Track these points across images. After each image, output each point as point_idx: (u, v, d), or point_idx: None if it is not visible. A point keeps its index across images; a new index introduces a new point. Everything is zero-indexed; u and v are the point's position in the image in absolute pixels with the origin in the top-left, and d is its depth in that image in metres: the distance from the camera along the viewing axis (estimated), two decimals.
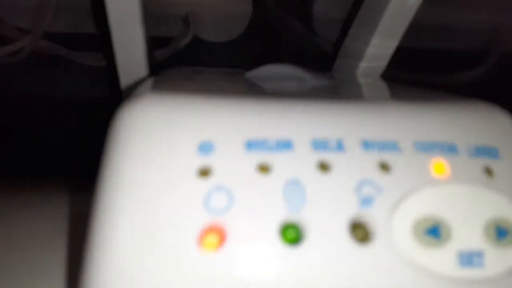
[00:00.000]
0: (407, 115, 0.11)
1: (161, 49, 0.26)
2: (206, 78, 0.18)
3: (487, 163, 0.10)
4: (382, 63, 0.21)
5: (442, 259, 0.09)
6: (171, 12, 0.26)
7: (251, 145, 0.09)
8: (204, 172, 0.09)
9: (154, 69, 0.21)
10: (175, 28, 0.27)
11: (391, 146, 0.10)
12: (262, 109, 0.10)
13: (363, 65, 0.20)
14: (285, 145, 0.10)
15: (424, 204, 0.09)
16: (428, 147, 0.10)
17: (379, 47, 0.19)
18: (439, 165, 0.10)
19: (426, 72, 0.28)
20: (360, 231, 0.09)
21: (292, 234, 0.09)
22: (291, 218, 0.09)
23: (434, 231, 0.09)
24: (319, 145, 0.10)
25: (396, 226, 0.09)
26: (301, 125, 0.10)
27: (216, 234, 0.09)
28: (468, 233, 0.09)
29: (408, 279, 0.09)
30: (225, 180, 0.09)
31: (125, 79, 0.19)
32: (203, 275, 0.08)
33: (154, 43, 0.26)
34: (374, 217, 0.09)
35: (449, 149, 0.10)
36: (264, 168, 0.09)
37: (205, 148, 0.09)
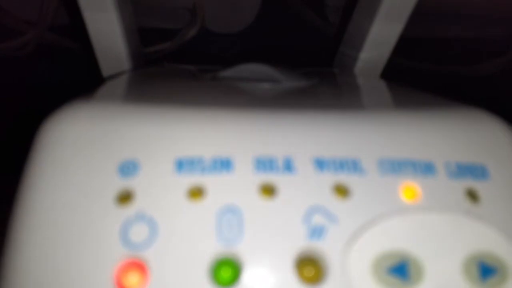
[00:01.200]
0: (375, 126, 0.09)
1: (169, 41, 0.26)
2: (176, 78, 0.17)
3: (471, 185, 0.09)
4: (384, 53, 0.19)
5: None
6: (178, 4, 0.27)
7: (182, 164, 0.08)
8: (124, 198, 0.08)
9: (143, 62, 0.20)
10: (183, 20, 0.27)
11: (351, 165, 0.09)
12: (200, 120, 0.09)
13: (363, 56, 0.19)
14: (223, 165, 0.08)
15: (389, 236, 0.08)
16: (397, 167, 0.09)
17: (381, 32, 0.18)
18: (409, 189, 0.09)
19: (449, 63, 0.27)
20: (308, 269, 0.08)
21: (226, 273, 0.07)
22: (225, 253, 0.08)
23: (400, 270, 0.08)
24: (263, 165, 0.08)
25: (352, 264, 0.08)
26: (244, 140, 0.09)
27: (136, 272, 0.07)
28: (443, 272, 0.08)
29: None
30: (148, 207, 0.08)
31: (107, 72, 0.19)
32: None
33: (161, 35, 0.27)
34: (325, 252, 0.08)
35: (424, 169, 0.09)
36: (195, 193, 0.08)
37: (127, 168, 0.08)
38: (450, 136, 0.10)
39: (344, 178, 0.08)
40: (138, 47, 0.21)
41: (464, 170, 0.09)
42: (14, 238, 0.08)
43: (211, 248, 0.07)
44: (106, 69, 0.19)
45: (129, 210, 0.08)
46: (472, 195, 0.09)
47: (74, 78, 0.26)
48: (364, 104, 0.12)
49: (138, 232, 0.08)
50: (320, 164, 0.09)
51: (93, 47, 0.18)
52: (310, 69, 0.20)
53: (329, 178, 0.08)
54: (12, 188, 0.09)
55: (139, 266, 0.07)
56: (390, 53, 0.19)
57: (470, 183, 0.09)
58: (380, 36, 0.18)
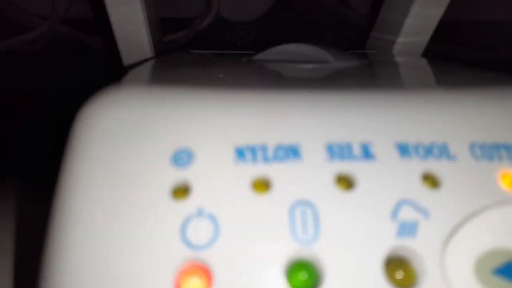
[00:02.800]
0: (462, 106, 0.08)
1: (184, 30, 0.25)
2: (208, 63, 0.16)
3: None
4: (423, 38, 0.18)
5: None
6: None
7: (242, 153, 0.07)
8: (180, 192, 0.07)
9: (163, 52, 0.20)
10: (198, 9, 0.26)
11: (439, 151, 0.08)
12: (260, 105, 0.08)
13: (400, 40, 0.18)
14: (291, 152, 0.07)
15: (492, 231, 0.07)
16: (492, 152, 0.08)
17: (420, 16, 0.17)
18: (508, 176, 0.08)
19: (483, 48, 0.25)
20: (399, 272, 0.07)
21: (304, 276, 0.07)
22: (302, 254, 0.07)
23: (508, 270, 0.07)
24: (337, 151, 0.07)
25: (450, 265, 0.07)
26: (312, 124, 0.08)
27: (199, 275, 0.07)
28: None
29: None
30: (208, 202, 0.07)
31: (129, 62, 0.18)
32: None
33: (176, 24, 0.26)
34: (418, 251, 0.07)
35: None
36: (261, 185, 0.07)
37: (182, 158, 0.07)
38: None
39: (433, 165, 0.07)
40: (160, 36, 0.20)
41: None
42: (54, 240, 0.07)
43: (284, 249, 0.07)
44: (128, 59, 0.18)
45: (187, 205, 0.07)
46: None
47: (88, 71, 0.26)
48: (434, 84, 0.11)
49: (199, 230, 0.07)
50: (404, 150, 0.08)
51: (115, 38, 0.17)
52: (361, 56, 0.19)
53: (416, 166, 0.07)
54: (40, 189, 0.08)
55: (202, 269, 0.07)
56: (429, 37, 0.18)
57: None
58: (419, 21, 0.17)
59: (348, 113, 0.08)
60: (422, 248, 0.07)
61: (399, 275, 0.07)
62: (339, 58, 0.14)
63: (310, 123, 0.08)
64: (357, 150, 0.07)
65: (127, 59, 0.18)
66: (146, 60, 0.17)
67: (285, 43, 0.15)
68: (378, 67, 0.14)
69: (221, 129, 0.08)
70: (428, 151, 0.08)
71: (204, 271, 0.06)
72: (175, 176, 0.07)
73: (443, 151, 0.08)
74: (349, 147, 0.07)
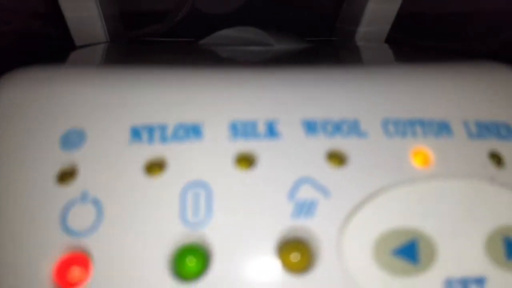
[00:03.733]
0: (376, 82, 0.08)
1: (160, 23, 0.25)
2: (150, 50, 0.15)
3: (495, 147, 0.08)
4: (382, 28, 0.18)
5: None
6: None
7: (138, 133, 0.07)
8: (66, 175, 0.07)
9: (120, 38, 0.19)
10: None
11: (349, 128, 0.07)
12: (164, 83, 0.07)
13: (361, 30, 0.18)
14: (192, 131, 0.07)
15: (395, 211, 0.07)
16: (405, 128, 0.07)
17: (377, 10, 0.17)
18: (420, 153, 0.07)
19: (449, 39, 0.26)
20: (294, 255, 0.06)
21: (192, 262, 0.06)
22: (189, 238, 0.06)
23: (408, 251, 0.07)
24: (240, 130, 0.07)
25: (348, 246, 0.06)
26: (218, 103, 0.07)
27: (78, 265, 0.06)
28: (460, 251, 0.07)
29: None
30: (93, 186, 0.07)
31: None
32: None
33: (152, 16, 0.26)
34: (315, 232, 0.06)
35: (438, 130, 0.08)
36: (155, 167, 0.07)
37: (72, 140, 0.07)
38: (467, 92, 0.08)
39: (341, 143, 0.07)
40: (118, 29, 0.19)
41: (486, 130, 0.08)
42: None
43: (172, 233, 0.06)
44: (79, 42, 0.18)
45: (72, 190, 0.06)
46: (497, 158, 0.07)
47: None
48: (364, 62, 0.11)
49: (81, 216, 0.06)
50: (311, 127, 0.07)
51: (70, 31, 0.16)
52: (307, 40, 0.19)
53: (322, 144, 0.07)
54: None
55: (81, 258, 0.06)
56: (388, 28, 0.18)
57: (493, 144, 0.08)
58: (377, 12, 0.17)
59: (256, 91, 0.07)
60: (319, 229, 0.06)
61: (295, 258, 0.06)
62: (281, 41, 0.14)
63: (215, 101, 0.07)
64: (261, 128, 0.07)
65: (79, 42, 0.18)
66: (94, 44, 0.16)
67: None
68: (319, 50, 0.14)
69: (116, 108, 0.07)
70: (337, 128, 0.07)
71: (83, 260, 0.06)
72: (62, 159, 0.07)
73: (353, 128, 0.07)
74: (253, 125, 0.07)
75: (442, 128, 0.07)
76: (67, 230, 0.06)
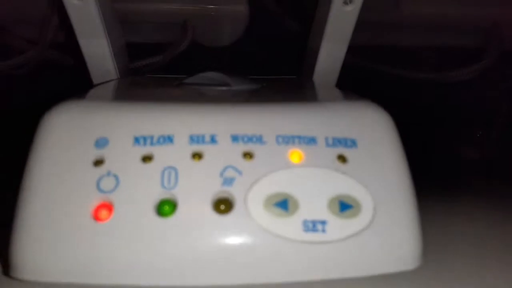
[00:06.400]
0: (278, 114, 0.14)
1: (161, 55, 0.29)
2: (149, 84, 0.21)
3: (342, 152, 0.14)
4: (334, 66, 0.24)
5: (288, 226, 0.12)
6: (170, 19, 0.30)
7: (138, 140, 0.13)
8: (98, 162, 0.12)
9: (130, 74, 0.24)
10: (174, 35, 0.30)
11: (256, 139, 0.13)
12: (150, 111, 0.13)
13: (318, 68, 0.23)
14: (167, 139, 0.13)
15: (276, 183, 0.13)
16: (289, 140, 0.13)
17: (329, 50, 0.23)
18: (295, 153, 0.13)
19: (423, 70, 0.31)
20: (223, 205, 0.12)
21: (165, 208, 0.12)
22: (166, 195, 0.12)
23: (282, 204, 0.12)
24: (195, 139, 0.13)
25: (250, 200, 0.12)
26: (182, 123, 0.13)
27: (105, 209, 0.12)
28: (313, 206, 0.12)
29: (260, 241, 0.12)
30: (114, 168, 0.12)
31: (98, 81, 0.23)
32: (96, 242, 0.12)
33: (153, 49, 0.29)
34: (233, 193, 0.12)
35: (308, 141, 0.14)
36: (147, 158, 0.13)
37: (101, 143, 0.13)
38: (333, 120, 0.14)
39: (251, 147, 0.13)
40: (125, 62, 0.25)
41: (338, 142, 0.14)
42: (28, 192, 0.12)
43: (156, 193, 0.12)
44: (97, 81, 0.23)
45: (102, 170, 0.12)
46: (342, 158, 0.13)
47: (71, 90, 0.28)
48: (281, 99, 0.17)
49: (107, 184, 0.12)
50: (235, 138, 0.13)
51: (86, 64, 0.22)
52: (276, 78, 0.25)
53: (241, 147, 0.13)
54: None
55: (107, 205, 0.12)
56: (340, 66, 0.24)
57: (341, 150, 0.14)
58: (329, 54, 0.23)
59: (205, 116, 0.13)
60: (235, 192, 0.12)
61: (222, 207, 0.12)
62: (239, 83, 0.20)
63: (181, 122, 0.13)
64: (207, 138, 0.13)
65: (96, 81, 0.23)
66: (107, 81, 0.22)
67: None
68: (262, 90, 0.20)
69: (125, 126, 0.13)
70: (250, 139, 0.13)
71: (108, 206, 0.12)
72: (96, 153, 0.12)
73: (258, 139, 0.13)
74: (203, 136, 0.13)
75: (311, 140, 0.13)
76: (100, 190, 0.12)
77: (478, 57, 0.31)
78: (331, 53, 0.23)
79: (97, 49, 0.21)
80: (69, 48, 0.28)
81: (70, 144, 0.13)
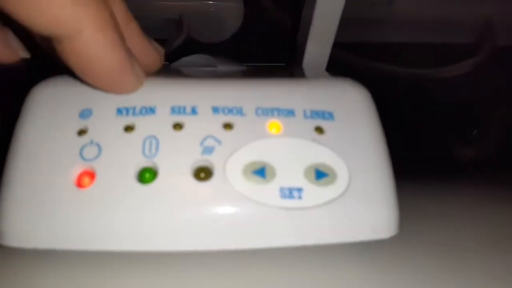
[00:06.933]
0: (259, 88, 0.15)
1: None
2: None
3: (320, 124, 0.14)
4: (321, 62, 0.25)
5: (266, 193, 0.13)
6: (165, 15, 0.30)
7: (120, 111, 0.13)
8: (82, 132, 0.13)
9: None
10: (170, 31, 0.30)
11: (236, 111, 0.14)
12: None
13: (306, 56, 0.24)
14: (149, 110, 0.13)
15: (255, 152, 0.13)
16: (268, 111, 0.14)
17: (315, 46, 0.23)
18: (274, 124, 0.14)
19: (416, 66, 0.31)
20: (202, 173, 0.13)
21: (146, 175, 0.12)
22: (147, 164, 0.12)
23: (260, 172, 0.13)
24: (177, 110, 0.13)
25: (229, 169, 0.13)
26: (164, 95, 0.14)
27: (88, 176, 0.12)
28: (289, 174, 0.13)
29: (238, 208, 0.12)
30: (96, 137, 0.13)
31: None
32: (78, 208, 0.12)
33: None
34: (212, 162, 0.13)
35: (287, 113, 0.14)
36: (129, 128, 0.13)
37: (86, 113, 0.13)
38: (310, 93, 0.15)
39: (231, 118, 0.13)
40: None
41: (316, 114, 0.14)
42: (15, 159, 0.13)
43: (137, 161, 0.12)
44: None
45: (85, 139, 0.13)
46: (319, 130, 0.14)
47: None
48: (263, 77, 0.18)
49: (90, 152, 0.12)
50: (216, 109, 0.14)
51: None
52: (265, 64, 0.25)
53: (221, 119, 0.13)
54: None
55: (90, 173, 0.12)
56: (328, 53, 0.24)
57: (319, 122, 0.14)
58: (318, 41, 0.23)
59: (188, 89, 0.14)
60: (215, 160, 0.13)
61: (202, 175, 0.12)
62: (225, 64, 0.20)
63: (163, 94, 0.14)
64: (188, 109, 0.13)
65: None
66: None
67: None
68: (251, 71, 0.21)
69: (108, 98, 0.13)
70: (230, 110, 0.14)
71: (91, 173, 0.12)
72: (80, 124, 0.13)
73: (239, 111, 0.14)
74: (184, 107, 0.13)
75: (290, 112, 0.14)
76: (83, 158, 0.12)
77: (471, 53, 0.32)
78: (318, 43, 0.23)
79: None
80: None
81: (55, 115, 0.13)
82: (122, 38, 0.12)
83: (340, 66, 0.25)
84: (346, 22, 0.22)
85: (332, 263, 0.15)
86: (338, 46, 0.24)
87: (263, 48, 0.32)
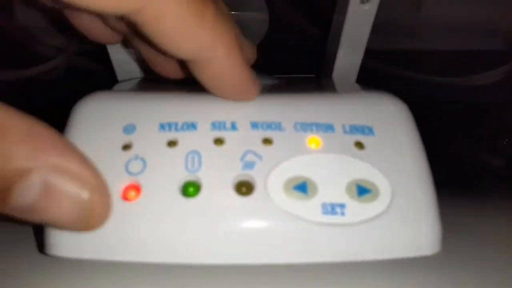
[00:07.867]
0: (296, 103, 0.15)
1: None
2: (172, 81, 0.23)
3: (359, 139, 0.14)
4: (352, 70, 0.25)
5: (308, 209, 0.13)
6: None
7: (163, 126, 0.14)
8: (127, 147, 0.13)
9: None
10: None
11: (275, 126, 0.14)
12: (174, 100, 0.14)
13: (336, 67, 0.24)
14: (190, 126, 0.14)
15: (295, 168, 0.13)
16: (306, 127, 0.14)
17: (346, 54, 0.23)
18: (313, 140, 0.14)
19: (447, 75, 0.31)
20: (244, 187, 0.13)
21: (190, 189, 0.13)
22: (190, 178, 0.13)
23: (301, 187, 0.13)
24: (217, 125, 0.14)
25: (270, 183, 0.13)
26: (205, 112, 0.14)
27: (134, 190, 0.13)
28: (331, 190, 0.13)
29: (280, 223, 0.12)
30: (141, 152, 0.13)
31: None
32: (125, 220, 0.12)
33: None
34: (253, 176, 0.13)
35: (326, 128, 0.14)
36: (172, 143, 0.13)
37: (129, 129, 0.14)
38: (349, 108, 0.15)
39: (270, 134, 0.14)
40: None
41: (356, 129, 0.14)
42: None
43: (181, 175, 0.13)
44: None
45: (130, 154, 0.13)
46: (359, 145, 0.14)
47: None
48: (299, 91, 0.18)
49: (135, 166, 0.13)
50: (255, 125, 0.14)
51: (114, 68, 0.23)
52: (295, 76, 0.26)
53: (260, 134, 0.14)
54: None
55: (135, 187, 0.13)
56: (359, 65, 0.24)
57: (359, 137, 0.14)
58: (348, 53, 0.24)
59: (229, 104, 0.14)
60: (256, 175, 0.13)
61: (244, 189, 0.13)
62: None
63: (202, 109, 0.14)
64: (228, 125, 0.14)
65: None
66: (127, 80, 0.23)
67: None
68: (284, 84, 0.21)
69: (151, 114, 0.14)
70: (268, 126, 0.14)
71: (136, 187, 0.12)
72: (124, 139, 0.13)
73: (277, 126, 0.14)
74: (224, 123, 0.14)
75: (329, 127, 0.14)
76: (128, 172, 0.13)
77: (503, 60, 0.31)
78: (349, 52, 0.23)
79: (124, 54, 0.23)
80: (95, 54, 0.29)
81: (100, 130, 0.14)
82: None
83: (369, 74, 0.25)
84: (373, 29, 0.22)
85: (374, 280, 0.14)
86: (367, 54, 0.24)
87: (288, 58, 0.32)
